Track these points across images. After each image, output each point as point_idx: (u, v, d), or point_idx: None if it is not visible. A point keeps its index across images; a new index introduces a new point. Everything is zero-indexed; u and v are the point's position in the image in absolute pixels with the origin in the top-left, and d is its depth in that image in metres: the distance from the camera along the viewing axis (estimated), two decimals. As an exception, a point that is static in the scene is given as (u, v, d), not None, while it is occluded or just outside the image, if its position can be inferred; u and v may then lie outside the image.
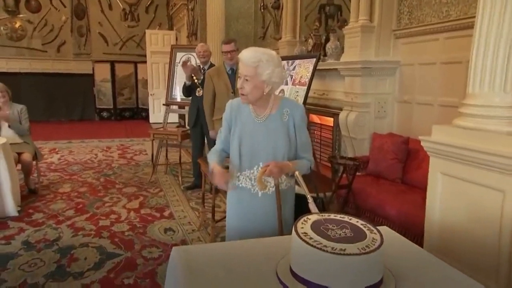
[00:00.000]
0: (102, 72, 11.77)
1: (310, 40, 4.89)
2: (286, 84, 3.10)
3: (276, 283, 1.26)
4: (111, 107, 11.80)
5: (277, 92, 3.33)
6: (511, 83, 1.80)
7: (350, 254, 1.16)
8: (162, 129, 5.06)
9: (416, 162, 3.51)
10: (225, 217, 3.26)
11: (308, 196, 1.59)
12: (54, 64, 11.27)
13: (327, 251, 1.17)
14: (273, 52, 1.77)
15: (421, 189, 3.33)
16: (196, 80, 4.16)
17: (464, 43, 3.16)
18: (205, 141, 4.53)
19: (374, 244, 1.21)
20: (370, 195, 3.35)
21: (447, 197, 2.09)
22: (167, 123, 5.23)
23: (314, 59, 2.91)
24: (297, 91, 3.20)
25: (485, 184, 1.84)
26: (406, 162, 3.58)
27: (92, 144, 7.40)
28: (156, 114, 10.67)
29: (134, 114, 12.09)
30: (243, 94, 1.76)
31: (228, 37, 5.30)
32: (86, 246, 3.01)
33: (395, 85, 4.03)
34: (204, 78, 4.08)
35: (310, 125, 4.88)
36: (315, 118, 5.11)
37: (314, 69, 2.92)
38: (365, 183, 3.53)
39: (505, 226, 1.74)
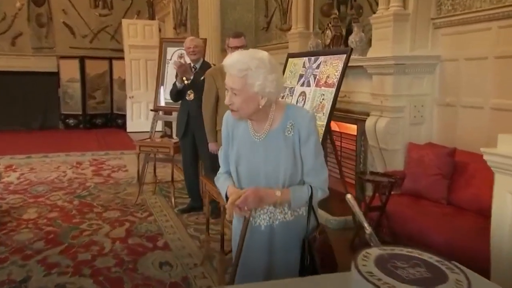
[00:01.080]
0: (69, 70, 11.71)
1: (328, 32, 4.90)
2: (309, 85, 3.07)
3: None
4: (80, 113, 11.72)
5: (294, 97, 3.33)
6: None
7: (432, 301, 1.11)
8: (149, 140, 5.01)
9: (464, 178, 3.47)
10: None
11: (365, 225, 1.53)
12: (9, 60, 11.16)
13: (402, 297, 1.11)
14: (264, 55, 1.67)
15: (472, 211, 3.30)
16: (186, 82, 4.12)
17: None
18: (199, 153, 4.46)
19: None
20: (409, 219, 3.31)
21: (519, 223, 2.05)
22: (154, 132, 5.18)
23: (344, 55, 2.88)
24: (323, 94, 3.17)
25: None
26: (452, 179, 3.54)
27: (58, 160, 7.32)
28: (136, 122, 10.62)
29: (108, 122, 12.02)
30: (233, 110, 1.70)
31: (237, 30, 5.27)
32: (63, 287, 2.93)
33: (434, 84, 4.03)
34: (194, 79, 4.04)
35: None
36: (333, 125, 5.08)
37: (345, 68, 2.90)
38: (402, 204, 3.49)
39: None
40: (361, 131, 4.61)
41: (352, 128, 4.89)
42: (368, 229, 1.49)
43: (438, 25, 3.94)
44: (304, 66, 3.12)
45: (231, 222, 2.01)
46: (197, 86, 4.08)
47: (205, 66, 4.25)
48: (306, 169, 1.74)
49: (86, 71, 11.83)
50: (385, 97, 4.04)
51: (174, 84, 4.26)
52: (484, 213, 3.20)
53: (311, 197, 1.74)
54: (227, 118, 1.84)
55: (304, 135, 1.71)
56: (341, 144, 5.09)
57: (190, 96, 4.20)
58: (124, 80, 11.01)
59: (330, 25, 4.88)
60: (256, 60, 1.63)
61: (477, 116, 3.61)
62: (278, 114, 1.74)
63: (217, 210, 4.23)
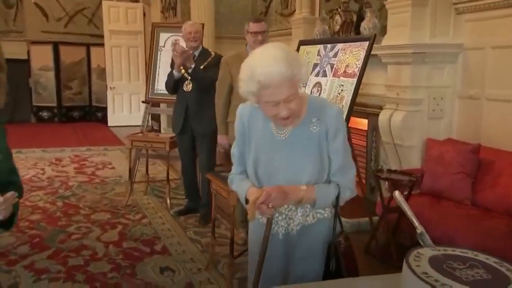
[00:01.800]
0: (41, 58, 11.56)
1: (337, 17, 4.92)
2: (325, 75, 3.08)
3: None
4: (54, 104, 11.60)
5: (308, 88, 3.33)
6: None
7: (497, 303, 1.13)
8: (140, 134, 4.99)
9: (490, 177, 3.52)
10: (243, 252, 3.23)
11: (417, 223, 1.55)
12: (-29, 46, 11.01)
13: (465, 299, 1.14)
14: (288, 48, 1.64)
15: (499, 212, 3.35)
16: (184, 71, 4.07)
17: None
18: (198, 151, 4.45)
19: (524, 290, 1.19)
20: (432, 221, 3.33)
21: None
22: (146, 126, 5.16)
23: (367, 43, 2.90)
24: (342, 85, 3.18)
25: None
26: (476, 178, 3.60)
27: (34, 156, 7.25)
28: (118, 115, 10.57)
29: (86, 115, 11.92)
30: (288, 117, 1.62)
31: (257, 15, 5.26)
32: (57, 294, 2.93)
33: (456, 75, 4.07)
34: (195, 68, 4.00)
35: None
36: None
37: (368, 56, 2.92)
38: (422, 205, 3.53)
39: None
40: (373, 126, 4.64)
41: (362, 123, 4.93)
42: (419, 228, 1.51)
43: (460, 10, 3.98)
44: (319, 55, 3.13)
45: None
46: (198, 76, 4.06)
47: (205, 54, 4.22)
48: (334, 167, 1.73)
49: (60, 58, 11.70)
50: (401, 89, 4.08)
51: (170, 74, 4.20)
52: (512, 214, 3.28)
53: (337, 197, 1.73)
54: (242, 112, 1.80)
55: (332, 131, 1.70)
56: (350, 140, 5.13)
57: (188, 87, 4.15)
58: (104, 69, 10.93)
59: (339, 10, 4.90)
60: (290, 57, 1.58)
61: (504, 109, 3.66)
62: (301, 109, 1.69)
63: (208, 216, 4.25)
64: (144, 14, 10.84)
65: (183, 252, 3.60)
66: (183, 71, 4.08)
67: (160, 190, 5.25)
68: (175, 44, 4.62)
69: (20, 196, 1.58)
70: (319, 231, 1.78)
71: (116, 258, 3.49)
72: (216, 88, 3.87)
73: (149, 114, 5.28)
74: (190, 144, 4.36)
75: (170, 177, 5.31)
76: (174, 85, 4.17)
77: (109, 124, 10.43)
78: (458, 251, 1.38)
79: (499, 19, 3.67)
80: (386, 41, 4.19)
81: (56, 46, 11.63)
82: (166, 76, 4.37)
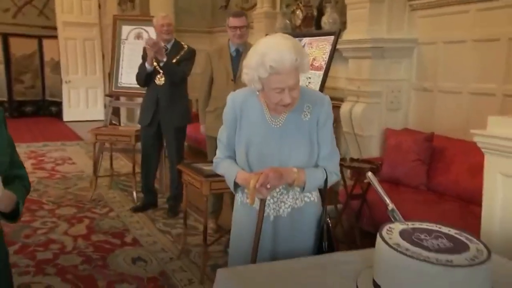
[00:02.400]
0: (-12, 50, 11.15)
1: (298, 12, 5.08)
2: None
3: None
4: (5, 99, 11.20)
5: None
6: None
7: (459, 266, 1.29)
8: (103, 128, 4.97)
9: (443, 164, 3.78)
10: (215, 240, 3.33)
11: (388, 201, 1.71)
12: None
13: (432, 263, 1.29)
14: (289, 35, 1.77)
15: (453, 196, 3.61)
16: (156, 64, 4.08)
17: (503, 16, 3.48)
18: (165, 145, 4.48)
19: (482, 255, 1.35)
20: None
21: (510, 203, 2.31)
22: (109, 120, 5.14)
23: (332, 37, 3.05)
24: (309, 78, 3.33)
25: (559, 184, 2.07)
26: (430, 165, 3.85)
27: (-12, 151, 7.02)
28: (74, 110, 10.34)
29: (40, 109, 11.59)
30: (289, 105, 1.74)
31: (237, 10, 5.29)
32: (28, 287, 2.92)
33: (411, 69, 4.32)
34: (167, 61, 4.02)
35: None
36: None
37: (333, 50, 3.07)
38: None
39: None
40: (335, 118, 4.82)
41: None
42: (390, 205, 1.66)
43: (414, 7, 4.22)
44: (286, 48, 3.28)
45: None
46: (169, 69, 4.06)
47: (178, 46, 4.20)
48: (322, 153, 1.86)
49: (10, 51, 11.31)
50: (362, 82, 4.28)
51: (141, 67, 4.17)
52: (463, 198, 3.53)
53: (326, 181, 1.86)
54: (235, 99, 1.88)
55: (323, 119, 1.83)
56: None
57: (161, 80, 4.14)
58: (58, 62, 10.65)
59: (300, 4, 5.06)
60: (298, 46, 1.70)
61: (456, 101, 3.93)
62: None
63: (177, 208, 4.33)
64: (100, 6, 10.63)
65: (154, 243, 3.66)
66: (155, 64, 4.08)
67: (124, 184, 5.25)
68: (137, 37, 4.63)
69: (27, 189, 1.60)
70: (307, 214, 1.91)
71: (86, 250, 3.51)
72: (200, 80, 3.94)
73: (112, 108, 5.26)
74: (156, 138, 4.37)
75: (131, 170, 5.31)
76: (146, 78, 4.15)
77: (64, 119, 10.19)
78: (424, 225, 1.54)
79: (450, 16, 3.93)
80: (346, 35, 4.37)
81: (5, 38, 11.22)
82: (132, 68, 4.37)
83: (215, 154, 4.01)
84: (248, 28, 3.77)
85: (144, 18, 5.59)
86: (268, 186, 1.73)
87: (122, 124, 8.29)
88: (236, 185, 1.89)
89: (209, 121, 3.83)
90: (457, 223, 3.17)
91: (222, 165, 1.95)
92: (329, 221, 1.93)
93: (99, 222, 4.13)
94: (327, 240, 1.90)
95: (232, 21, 3.68)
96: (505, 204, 2.33)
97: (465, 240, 1.44)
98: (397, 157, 3.94)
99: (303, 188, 1.84)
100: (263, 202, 1.84)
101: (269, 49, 1.66)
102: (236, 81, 3.68)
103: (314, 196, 1.93)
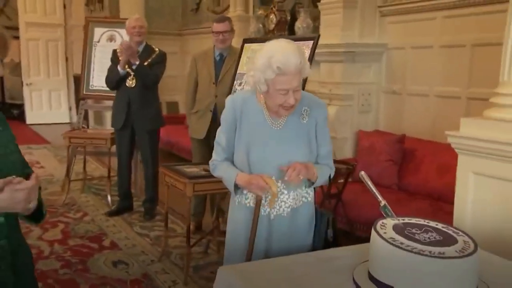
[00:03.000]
0: None
1: (272, 16, 5.16)
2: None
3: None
4: (-38, 102, 10.82)
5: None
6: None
7: (450, 257, 1.39)
8: (77, 131, 4.89)
9: (413, 164, 3.94)
10: (197, 242, 3.35)
11: (380, 198, 1.79)
12: None
13: (426, 255, 1.38)
14: (291, 40, 1.86)
15: (423, 195, 3.77)
16: (128, 67, 4.05)
17: (468, 23, 3.67)
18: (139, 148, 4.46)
19: (469, 247, 1.46)
20: (365, 206, 3.65)
21: (481, 200, 2.44)
22: (81, 123, 5.07)
23: (311, 42, 3.13)
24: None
25: (527, 182, 2.22)
26: (401, 165, 4.00)
27: None
28: (37, 112, 10.06)
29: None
30: (292, 106, 1.82)
31: (221, 15, 5.30)
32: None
33: (381, 73, 4.48)
34: (139, 64, 4.00)
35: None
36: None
37: (312, 55, 3.15)
38: (356, 192, 3.85)
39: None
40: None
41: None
42: (382, 201, 1.75)
43: (384, 13, 4.38)
44: (264, 52, 3.35)
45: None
46: (142, 72, 4.04)
47: (149, 50, 4.19)
48: (323, 152, 1.98)
49: (-33, 52, 10.89)
50: (334, 85, 4.40)
51: (111, 70, 4.13)
52: (433, 196, 3.70)
53: (329, 176, 2.01)
54: (235, 102, 1.93)
55: (321, 121, 1.95)
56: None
57: (131, 82, 4.10)
58: (18, 64, 10.33)
59: (274, 9, 5.14)
60: (301, 50, 1.80)
61: (423, 103, 4.10)
62: None
63: (153, 211, 4.32)
64: (65, 6, 10.39)
65: (133, 246, 3.64)
66: (128, 69, 4.05)
67: (97, 188, 5.17)
68: (109, 39, 4.58)
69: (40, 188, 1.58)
70: (304, 213, 2.00)
71: (64, 255, 3.45)
72: (186, 82, 4.00)
73: (84, 110, 5.18)
74: (130, 141, 4.34)
75: (105, 174, 5.25)
76: (118, 81, 4.10)
77: (27, 122, 9.89)
78: (413, 220, 1.64)
79: (418, 22, 4.10)
80: (320, 40, 4.46)
81: (-38, 38, 10.78)
82: (104, 71, 4.31)
83: (199, 155, 4.05)
84: (232, 33, 3.81)
85: (117, 20, 5.53)
86: (301, 176, 1.82)
87: (90, 127, 8.13)
88: (235, 187, 1.93)
89: (192, 123, 3.85)
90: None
91: (220, 167, 1.99)
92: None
93: (74, 226, 4.06)
94: (332, 231, 2.03)
95: (215, 26, 3.73)
96: (476, 201, 2.46)
97: (452, 234, 1.55)
98: (370, 158, 4.07)
99: (313, 183, 1.94)
100: (258, 201, 1.90)
101: (276, 52, 1.74)
102: (217, 84, 3.73)
103: (310, 197, 2.02)
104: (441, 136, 3.71)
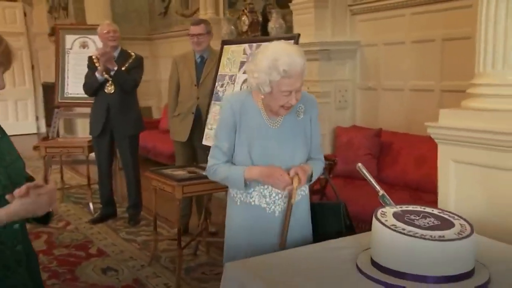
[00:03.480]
0: None
1: (244, 18, 5.20)
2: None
3: (362, 281, 1.51)
4: None
5: (237, 85, 3.56)
6: (525, 60, 2.33)
7: (451, 240, 1.46)
8: (52, 140, 4.80)
9: (390, 157, 4.06)
10: (187, 244, 3.35)
11: (378, 187, 1.86)
12: None
13: (428, 239, 1.46)
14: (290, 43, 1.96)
15: (401, 187, 3.89)
16: (106, 73, 4.01)
17: (436, 19, 3.81)
18: (117, 154, 4.43)
19: (466, 230, 1.54)
20: (349, 200, 3.68)
21: (462, 186, 2.55)
22: (56, 132, 4.98)
23: (291, 42, 3.18)
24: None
25: (505, 168, 2.31)
26: (379, 158, 4.11)
27: None
28: (3, 123, 9.36)
29: (-36, 125, 10.82)
30: (291, 106, 1.87)
31: (198, 18, 5.28)
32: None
33: (355, 69, 4.58)
34: (117, 70, 3.97)
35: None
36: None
37: (292, 53, 3.22)
38: (340, 186, 3.91)
39: (532, 208, 2.24)
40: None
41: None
42: (381, 191, 1.81)
43: (355, 11, 4.49)
44: (245, 53, 3.35)
45: None
46: (121, 78, 4.01)
47: (125, 54, 4.16)
48: (314, 146, 2.05)
49: None
50: (311, 83, 4.47)
51: (89, 77, 4.07)
52: (411, 186, 3.82)
53: (324, 170, 2.08)
54: (234, 104, 1.94)
55: (314, 117, 2.02)
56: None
57: (110, 88, 4.06)
58: (-24, 73, 10.02)
59: (245, 10, 5.19)
60: (302, 51, 1.85)
61: (398, 98, 4.23)
62: None
63: (138, 216, 4.30)
64: (25, 15, 10.14)
65: (121, 252, 3.62)
66: (106, 76, 4.00)
67: (77, 197, 5.09)
68: (82, 46, 4.53)
69: None
70: (303, 206, 2.06)
71: (50, 265, 3.40)
72: (168, 86, 3.97)
73: (59, 119, 5.09)
74: (109, 147, 4.30)
75: (82, 183, 5.19)
76: (97, 87, 4.06)
77: (-11, 131, 9.60)
78: (410, 207, 1.71)
79: (388, 19, 4.23)
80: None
81: None
82: (79, 78, 4.27)
83: (182, 158, 4.05)
84: (208, 35, 3.81)
85: (87, 27, 5.46)
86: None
87: (61, 136, 7.98)
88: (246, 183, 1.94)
89: (175, 125, 3.85)
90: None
91: (221, 169, 1.97)
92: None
93: (59, 236, 3.99)
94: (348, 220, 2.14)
95: (191, 29, 3.75)
96: (458, 187, 2.57)
97: (448, 218, 1.63)
98: (349, 153, 4.16)
99: (310, 180, 2.01)
100: (290, 194, 1.94)
101: (281, 54, 1.78)
102: (199, 86, 3.74)
103: (307, 190, 2.08)
104: (417, 129, 3.87)
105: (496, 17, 2.35)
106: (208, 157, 2.03)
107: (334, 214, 2.21)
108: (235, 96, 2.01)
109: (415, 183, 3.79)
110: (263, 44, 3.52)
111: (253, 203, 1.98)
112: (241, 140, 1.94)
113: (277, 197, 1.98)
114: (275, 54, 1.79)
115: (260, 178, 1.91)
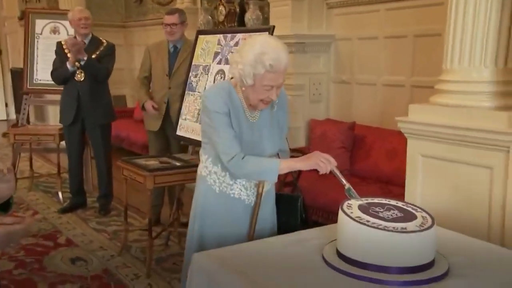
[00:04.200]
0: None
1: (221, 8, 5.18)
2: (227, 63, 3.31)
3: (328, 272, 1.55)
4: None
5: (211, 76, 3.56)
6: (491, 57, 2.40)
7: (412, 232, 1.52)
8: (22, 128, 4.71)
9: (363, 150, 4.12)
10: (158, 234, 3.35)
11: (344, 181, 1.90)
12: None
13: (391, 231, 1.50)
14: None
15: (373, 180, 3.96)
16: (77, 63, 3.95)
17: (409, 16, 3.88)
18: (90, 143, 4.38)
19: (427, 222, 1.59)
20: (320, 192, 3.80)
21: (429, 180, 2.63)
22: (26, 119, 4.89)
23: (266, 33, 3.19)
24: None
25: (471, 162, 2.40)
26: (352, 151, 4.17)
27: None
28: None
29: None
30: (270, 100, 1.90)
31: (173, 7, 5.21)
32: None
33: (330, 63, 4.63)
34: (88, 59, 3.90)
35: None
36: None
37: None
38: (312, 179, 3.97)
39: (494, 204, 2.31)
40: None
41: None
42: (347, 184, 1.85)
43: (331, 5, 4.52)
44: (219, 44, 3.34)
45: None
46: (92, 68, 3.94)
47: (96, 42, 4.10)
48: (283, 136, 2.11)
49: None
50: (286, 75, 4.46)
51: (59, 65, 4.00)
52: (382, 180, 3.90)
53: None
54: (222, 95, 1.93)
55: (285, 108, 2.08)
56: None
57: (80, 76, 3.98)
58: None
59: (223, 1, 5.17)
60: (286, 48, 1.87)
61: (371, 92, 4.30)
62: None
63: (108, 206, 4.28)
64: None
65: (91, 242, 3.60)
66: (77, 64, 3.94)
67: (46, 185, 5.02)
68: (52, 31, 4.45)
69: None
70: (270, 197, 2.13)
71: (17, 255, 3.35)
72: (137, 74, 3.98)
73: (29, 105, 4.99)
74: (80, 136, 4.25)
75: (52, 171, 5.11)
76: (67, 77, 3.98)
77: None
78: (376, 200, 1.76)
79: (363, 14, 4.29)
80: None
81: None
82: (48, 64, 4.18)
83: (155, 147, 4.04)
84: (182, 25, 3.78)
85: (59, 12, 5.35)
86: None
87: (31, 124, 7.82)
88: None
89: (147, 115, 3.83)
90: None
91: (251, 160, 1.90)
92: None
93: (26, 225, 3.93)
94: (304, 213, 2.17)
95: (165, 18, 3.72)
96: (424, 181, 2.65)
97: (411, 210, 1.68)
98: (322, 145, 4.20)
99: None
100: (261, 187, 2.00)
101: (268, 49, 1.81)
102: (171, 76, 3.72)
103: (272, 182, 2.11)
104: (389, 123, 3.94)
105: (465, 15, 2.42)
106: (221, 152, 1.91)
107: (291, 206, 2.25)
108: (219, 86, 2.02)
109: (387, 176, 3.87)
110: (252, 36, 3.55)
111: (232, 195, 2.02)
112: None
113: (250, 187, 2.02)
114: (263, 48, 1.81)
115: (297, 163, 1.93)
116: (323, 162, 1.91)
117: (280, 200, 2.22)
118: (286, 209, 2.20)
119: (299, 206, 2.22)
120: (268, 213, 2.11)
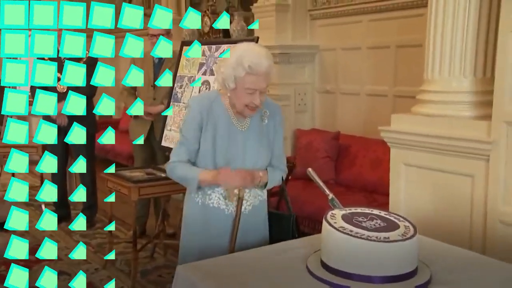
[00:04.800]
0: None
1: (206, 19, 5.22)
2: (212, 74, 3.33)
3: (312, 282, 1.55)
4: None
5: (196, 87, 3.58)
6: (470, 67, 2.45)
7: (395, 241, 1.53)
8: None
9: (348, 159, 4.16)
10: (143, 246, 3.33)
11: (327, 191, 1.91)
12: None
13: (374, 240, 1.52)
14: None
15: (358, 188, 3.99)
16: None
17: (391, 26, 3.95)
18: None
19: (409, 231, 1.61)
20: (307, 201, 3.82)
21: (412, 189, 2.66)
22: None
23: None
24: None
25: (452, 171, 2.44)
26: (337, 161, 4.20)
27: None
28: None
29: None
30: (257, 108, 1.91)
31: None
32: None
33: (314, 73, 4.68)
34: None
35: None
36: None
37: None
38: (297, 188, 4.01)
39: (476, 211, 2.35)
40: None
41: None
42: (330, 195, 1.87)
43: (314, 16, 4.59)
44: (204, 55, 3.37)
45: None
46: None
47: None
48: (276, 153, 2.09)
49: None
50: (272, 86, 4.48)
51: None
52: (367, 189, 3.93)
53: (282, 178, 2.11)
54: (201, 104, 1.96)
55: (278, 123, 2.08)
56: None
57: (61, 88, 3.95)
58: None
59: (207, 12, 5.21)
60: (270, 55, 1.89)
61: (355, 102, 4.34)
62: None
63: (93, 218, 4.24)
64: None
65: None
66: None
67: (29, 198, 4.94)
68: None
69: None
70: (261, 210, 2.12)
71: (-1, 271, 3.30)
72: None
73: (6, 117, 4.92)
74: (63, 147, 4.21)
75: (35, 184, 5.05)
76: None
77: None
78: (359, 209, 1.77)
79: (346, 25, 4.35)
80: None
81: None
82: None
83: (140, 159, 4.01)
84: (168, 36, 3.78)
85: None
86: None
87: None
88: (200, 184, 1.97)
89: (132, 127, 3.82)
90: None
91: (180, 167, 1.98)
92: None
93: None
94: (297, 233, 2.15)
95: (149, 29, 3.72)
96: (407, 189, 2.69)
97: (394, 219, 1.70)
98: (308, 155, 4.24)
99: (265, 186, 2.06)
100: (240, 200, 1.98)
101: (248, 52, 1.85)
102: (155, 87, 3.72)
103: (264, 196, 2.13)
104: (372, 132, 3.97)
105: (444, 26, 2.47)
106: (171, 154, 2.03)
107: (285, 224, 2.23)
108: (204, 95, 2.06)
109: (371, 185, 3.90)
110: (222, 46, 3.58)
111: (211, 205, 2.01)
112: (207, 139, 1.96)
113: (235, 199, 2.01)
114: (243, 51, 1.86)
115: (213, 179, 1.93)
116: (230, 179, 1.92)
117: (272, 218, 2.20)
118: (278, 229, 2.19)
119: (291, 225, 2.21)
120: (259, 225, 2.10)
